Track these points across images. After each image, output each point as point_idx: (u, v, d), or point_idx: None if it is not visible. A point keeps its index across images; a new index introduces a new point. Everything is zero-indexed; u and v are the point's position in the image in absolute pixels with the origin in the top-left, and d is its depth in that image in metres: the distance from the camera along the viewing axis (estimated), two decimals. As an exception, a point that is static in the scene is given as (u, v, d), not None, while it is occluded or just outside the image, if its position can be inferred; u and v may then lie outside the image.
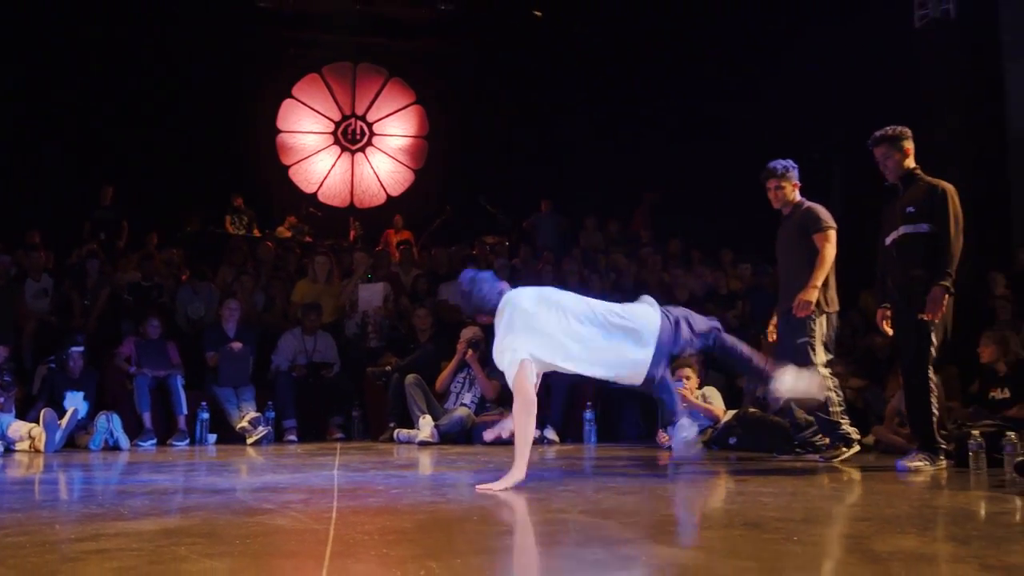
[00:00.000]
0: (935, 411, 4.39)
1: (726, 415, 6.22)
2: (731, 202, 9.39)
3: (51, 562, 2.05)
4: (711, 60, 11.17)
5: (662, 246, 10.35)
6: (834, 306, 4.88)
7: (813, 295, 4.72)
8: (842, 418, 4.78)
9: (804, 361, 4.58)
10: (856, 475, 4.31)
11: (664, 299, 8.58)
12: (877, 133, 4.61)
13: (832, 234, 4.84)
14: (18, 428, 5.91)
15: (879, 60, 9.04)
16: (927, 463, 4.31)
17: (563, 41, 12.40)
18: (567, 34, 12.35)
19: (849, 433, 4.79)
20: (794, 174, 5.06)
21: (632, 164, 11.68)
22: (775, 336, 5.12)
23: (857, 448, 4.82)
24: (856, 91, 9.25)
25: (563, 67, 12.48)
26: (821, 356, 4.74)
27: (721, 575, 1.88)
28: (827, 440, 4.88)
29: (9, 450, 5.79)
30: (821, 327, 4.79)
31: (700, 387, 6.50)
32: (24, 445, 5.84)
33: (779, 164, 5.07)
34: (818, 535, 2.48)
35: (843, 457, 4.75)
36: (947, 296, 4.25)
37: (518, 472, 3.43)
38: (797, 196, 5.07)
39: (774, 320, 5.19)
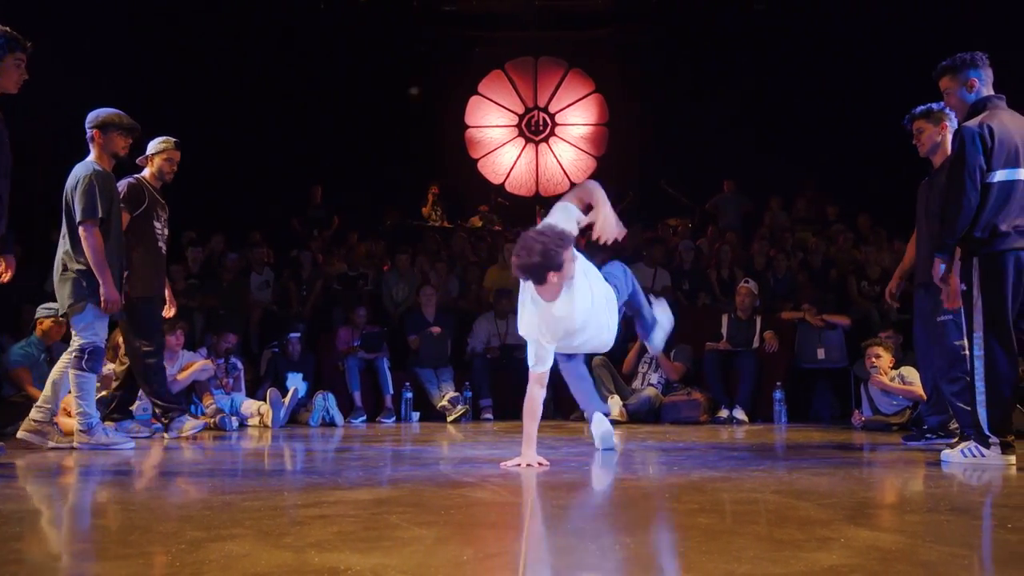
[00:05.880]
0: None
1: (928, 395, 5.76)
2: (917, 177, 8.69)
3: (281, 524, 2.26)
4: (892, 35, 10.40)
5: (851, 223, 9.78)
6: None
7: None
8: None
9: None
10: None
11: (857, 277, 8.21)
12: None
13: None
14: (249, 406, 6.60)
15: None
16: None
17: (739, 21, 11.99)
18: (744, 14, 11.92)
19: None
20: (941, 115, 4.34)
21: (813, 142, 11.12)
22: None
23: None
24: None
25: (740, 48, 12.06)
26: None
27: (927, 562, 1.78)
28: (956, 426, 4.33)
29: (242, 425, 6.45)
30: None
31: (896, 367, 6.00)
32: (254, 421, 6.51)
33: (924, 105, 4.40)
34: (1037, 524, 2.32)
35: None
36: None
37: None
38: (949, 145, 4.28)
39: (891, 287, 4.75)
